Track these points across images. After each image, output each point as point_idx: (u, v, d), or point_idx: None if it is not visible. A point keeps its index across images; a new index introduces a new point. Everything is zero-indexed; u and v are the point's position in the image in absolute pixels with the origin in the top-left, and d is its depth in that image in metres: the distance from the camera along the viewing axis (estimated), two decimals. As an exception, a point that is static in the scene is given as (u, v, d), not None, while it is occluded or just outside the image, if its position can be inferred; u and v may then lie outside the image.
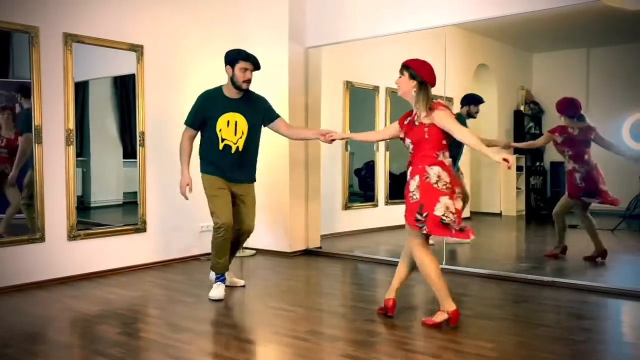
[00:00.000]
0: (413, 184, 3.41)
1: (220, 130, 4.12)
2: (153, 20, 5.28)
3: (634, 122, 6.40)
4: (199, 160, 4.34)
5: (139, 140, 5.18)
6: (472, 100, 5.89)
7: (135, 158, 5.20)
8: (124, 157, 5.43)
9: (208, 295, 4.12)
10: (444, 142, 3.43)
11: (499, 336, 3.32)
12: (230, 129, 4.13)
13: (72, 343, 3.33)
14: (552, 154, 6.04)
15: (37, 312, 3.86)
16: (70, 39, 4.64)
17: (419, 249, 3.47)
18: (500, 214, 7.62)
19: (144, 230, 5.23)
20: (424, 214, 3.33)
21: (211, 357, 2.99)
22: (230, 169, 4.19)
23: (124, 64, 5.14)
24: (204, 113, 4.16)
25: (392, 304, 3.64)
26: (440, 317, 3.43)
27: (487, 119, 7.62)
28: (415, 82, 3.47)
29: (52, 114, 4.56)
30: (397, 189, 7.13)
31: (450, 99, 6.23)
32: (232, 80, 4.14)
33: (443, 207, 3.31)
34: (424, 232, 3.39)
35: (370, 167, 7.35)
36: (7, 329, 3.49)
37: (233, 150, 4.15)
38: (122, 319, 3.71)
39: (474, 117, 5.95)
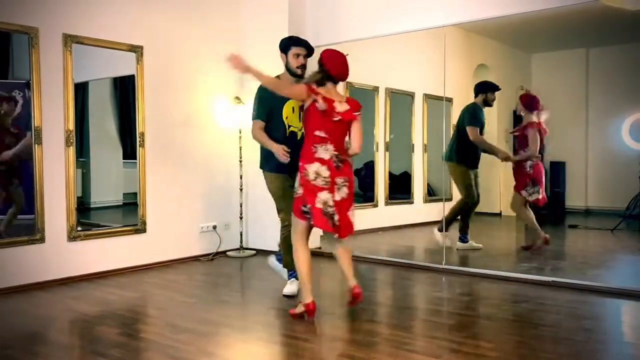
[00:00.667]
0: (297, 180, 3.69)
1: (287, 117, 4.09)
2: (153, 22, 5.28)
3: (634, 121, 6.40)
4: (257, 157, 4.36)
5: (139, 141, 5.18)
6: (488, 88, 5.83)
7: (135, 159, 5.20)
8: (123, 158, 5.43)
9: (283, 292, 4.19)
10: (318, 133, 3.58)
11: (499, 336, 3.32)
12: (295, 115, 4.09)
13: (72, 344, 3.33)
14: (552, 154, 6.04)
15: (38, 313, 3.86)
16: (70, 40, 4.64)
17: (298, 238, 3.68)
18: (499, 214, 7.61)
19: (143, 231, 5.23)
20: (308, 206, 3.57)
21: (211, 358, 2.99)
22: (292, 157, 4.10)
23: (124, 65, 5.14)
24: (269, 103, 4.07)
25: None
26: (299, 309, 3.62)
27: (487, 119, 7.62)
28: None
29: (52, 114, 4.56)
30: (397, 189, 7.13)
31: (450, 100, 6.23)
32: (287, 67, 4.15)
33: (321, 201, 3.56)
34: (311, 223, 3.61)
35: (369, 167, 7.34)
36: (8, 329, 3.49)
37: (299, 137, 4.08)
38: (122, 320, 3.71)
39: (491, 106, 5.88)
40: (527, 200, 5.63)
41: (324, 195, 3.55)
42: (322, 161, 3.56)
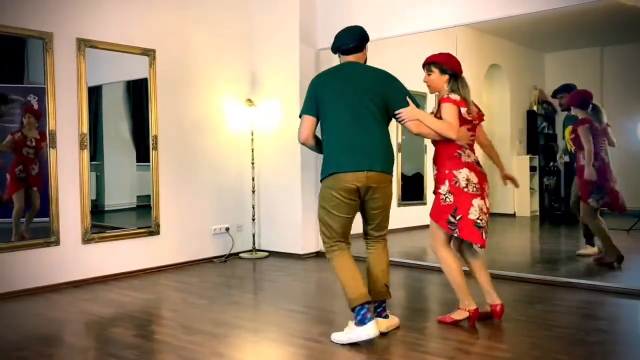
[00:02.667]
0: (443, 188, 3.42)
1: None
2: (165, 25, 5.32)
3: (650, 121, 6.33)
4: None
5: (152, 144, 5.22)
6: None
7: (149, 161, 5.24)
8: (137, 161, 5.46)
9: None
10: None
11: (513, 337, 3.30)
12: None
13: (86, 346, 3.36)
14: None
15: (52, 315, 3.89)
16: (84, 44, 4.69)
17: (442, 246, 3.51)
18: (514, 215, 7.56)
19: (157, 233, 5.26)
20: (458, 217, 3.38)
21: (223, 359, 3.00)
22: None
23: (137, 69, 5.18)
24: None
25: (476, 313, 3.52)
26: (459, 315, 3.50)
27: (499, 120, 7.58)
28: (446, 76, 3.50)
29: (66, 118, 4.61)
30: (410, 191, 7.11)
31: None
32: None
33: (476, 210, 3.37)
34: (455, 234, 3.42)
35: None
36: (22, 331, 3.53)
37: None
38: (136, 322, 3.73)
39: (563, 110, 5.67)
40: (596, 209, 5.12)
41: (478, 202, 3.39)
42: (469, 166, 3.42)
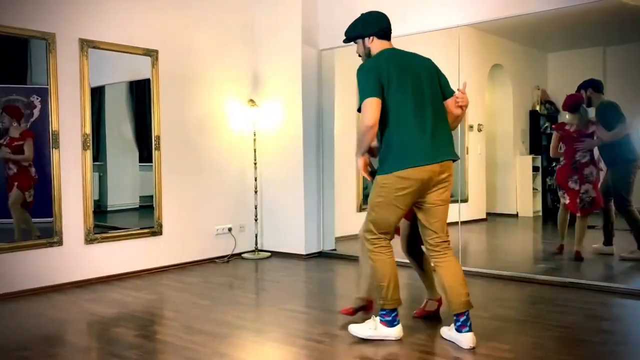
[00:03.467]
0: None
1: None
2: (167, 26, 5.32)
3: (652, 121, 6.31)
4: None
5: (155, 144, 5.23)
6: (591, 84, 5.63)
7: (151, 162, 5.25)
8: (139, 161, 5.47)
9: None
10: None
11: (516, 338, 3.29)
12: None
13: (89, 345, 3.37)
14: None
15: (55, 315, 3.90)
16: (86, 45, 4.70)
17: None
18: (516, 215, 7.55)
19: (160, 233, 5.27)
20: None
21: (225, 359, 3.01)
22: None
23: (139, 69, 5.19)
24: None
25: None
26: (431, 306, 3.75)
27: (502, 119, 7.57)
28: None
29: (69, 119, 4.62)
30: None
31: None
32: None
33: None
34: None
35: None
36: (25, 331, 3.53)
37: None
38: (138, 322, 3.74)
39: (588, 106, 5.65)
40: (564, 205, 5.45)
41: None
42: None
